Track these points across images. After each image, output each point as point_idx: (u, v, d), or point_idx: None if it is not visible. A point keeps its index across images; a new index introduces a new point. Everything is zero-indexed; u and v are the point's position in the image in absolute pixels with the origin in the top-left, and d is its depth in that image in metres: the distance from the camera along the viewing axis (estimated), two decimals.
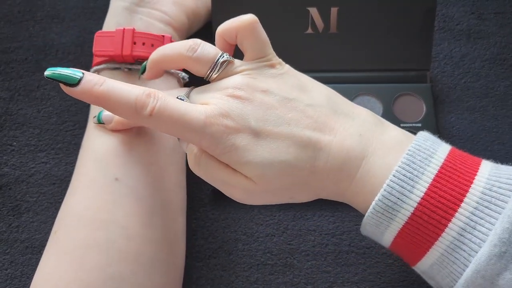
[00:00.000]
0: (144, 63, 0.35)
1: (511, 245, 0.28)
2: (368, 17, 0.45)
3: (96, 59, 0.40)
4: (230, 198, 0.44)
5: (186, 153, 0.33)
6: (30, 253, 0.42)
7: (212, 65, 0.33)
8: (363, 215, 0.32)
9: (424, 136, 0.32)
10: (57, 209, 0.37)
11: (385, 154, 0.31)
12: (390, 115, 0.45)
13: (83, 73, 0.30)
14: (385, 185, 0.30)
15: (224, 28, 0.34)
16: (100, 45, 0.39)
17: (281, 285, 0.41)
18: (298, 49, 0.46)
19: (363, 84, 0.47)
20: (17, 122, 0.48)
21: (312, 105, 0.32)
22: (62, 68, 0.30)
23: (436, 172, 0.30)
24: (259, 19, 0.33)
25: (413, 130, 0.44)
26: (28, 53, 0.51)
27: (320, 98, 0.33)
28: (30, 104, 0.48)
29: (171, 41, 0.40)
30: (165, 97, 0.30)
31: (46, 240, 0.36)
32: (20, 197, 0.45)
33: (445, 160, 0.31)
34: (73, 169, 0.38)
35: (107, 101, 0.30)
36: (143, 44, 0.39)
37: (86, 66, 0.50)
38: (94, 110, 0.39)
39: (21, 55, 0.50)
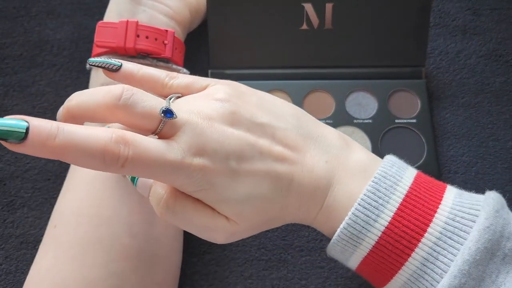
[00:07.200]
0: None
1: (470, 277, 0.28)
2: (363, 13, 0.45)
3: (96, 50, 0.40)
4: None
5: (151, 200, 0.29)
6: (24, 249, 0.42)
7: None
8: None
9: (391, 162, 0.32)
10: (52, 204, 0.37)
11: (350, 181, 0.31)
12: (385, 111, 0.45)
13: (28, 122, 0.24)
14: (350, 213, 0.30)
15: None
16: (102, 36, 0.39)
17: (275, 281, 0.41)
18: (293, 45, 0.46)
19: (358, 80, 0.47)
20: None
21: (281, 128, 0.31)
22: (1, 118, 0.23)
23: (401, 200, 0.30)
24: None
25: (408, 126, 0.45)
26: (23, 49, 0.50)
27: (288, 119, 0.31)
28: (25, 100, 0.48)
29: (174, 36, 0.40)
30: (136, 140, 0.25)
31: (41, 236, 0.36)
32: (15, 193, 0.45)
33: (410, 187, 0.30)
34: (68, 165, 0.38)
35: (66, 157, 0.24)
36: (147, 37, 0.38)
37: (81, 62, 0.50)
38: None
39: (16, 51, 0.50)
